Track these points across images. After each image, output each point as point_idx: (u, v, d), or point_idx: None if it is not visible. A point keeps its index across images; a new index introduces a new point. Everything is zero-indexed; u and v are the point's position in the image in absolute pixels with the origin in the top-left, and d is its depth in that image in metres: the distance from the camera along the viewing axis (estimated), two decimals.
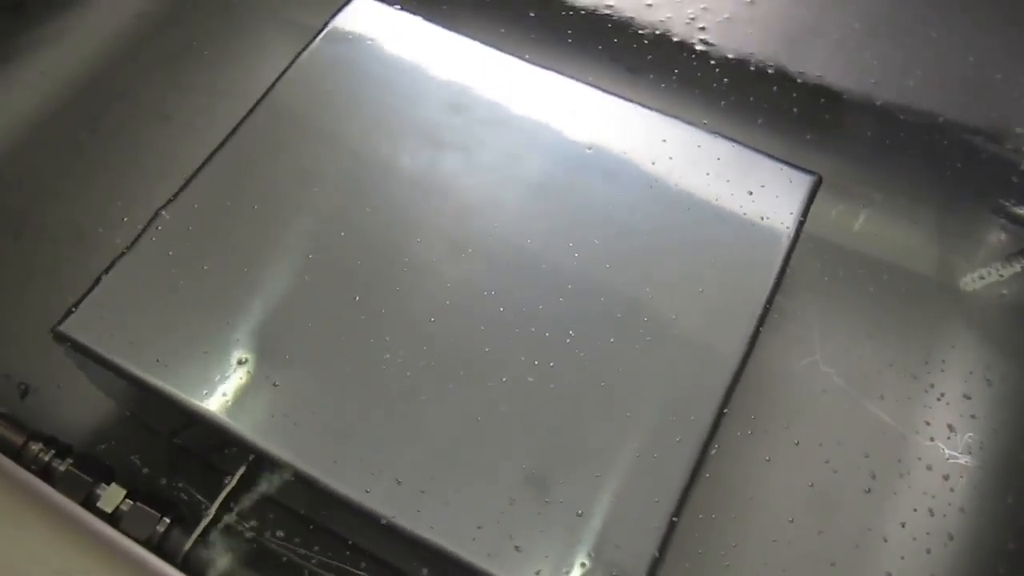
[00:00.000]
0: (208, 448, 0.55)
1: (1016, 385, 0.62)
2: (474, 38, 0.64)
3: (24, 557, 0.34)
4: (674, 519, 0.46)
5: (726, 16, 0.77)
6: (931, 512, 0.57)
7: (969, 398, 0.61)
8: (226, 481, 0.48)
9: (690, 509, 0.47)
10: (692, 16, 0.77)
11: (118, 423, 0.59)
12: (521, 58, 0.63)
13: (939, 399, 0.61)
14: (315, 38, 0.64)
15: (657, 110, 0.61)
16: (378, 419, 0.48)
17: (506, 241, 0.55)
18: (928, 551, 0.56)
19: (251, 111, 0.60)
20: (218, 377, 0.49)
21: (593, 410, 0.49)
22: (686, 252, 0.55)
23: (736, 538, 0.56)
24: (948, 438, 0.60)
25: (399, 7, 0.66)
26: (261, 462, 0.48)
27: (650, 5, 0.78)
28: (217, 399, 0.48)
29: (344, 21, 0.65)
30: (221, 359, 0.50)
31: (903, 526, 0.57)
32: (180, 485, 0.55)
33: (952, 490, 0.58)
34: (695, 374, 0.50)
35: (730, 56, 0.75)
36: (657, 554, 0.45)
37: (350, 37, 0.64)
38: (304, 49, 0.63)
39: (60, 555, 0.34)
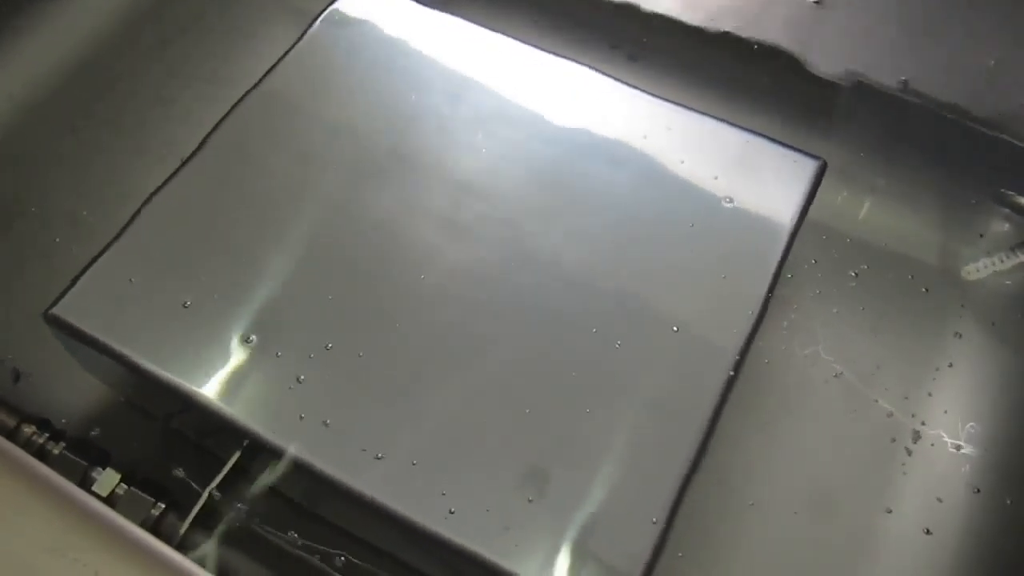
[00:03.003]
0: (203, 432, 0.54)
1: (1018, 374, 0.62)
2: (473, 22, 0.64)
3: (17, 535, 0.34)
4: (673, 509, 0.45)
5: (730, 2, 0.76)
6: (934, 501, 0.57)
7: (971, 387, 0.61)
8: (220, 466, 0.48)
9: (689, 499, 0.46)
10: (695, 1, 0.76)
11: (112, 407, 0.58)
12: (520, 41, 0.63)
13: (941, 388, 0.61)
14: (314, 22, 0.63)
15: (659, 95, 0.60)
16: (373, 404, 0.48)
17: (506, 227, 0.54)
18: (930, 540, 0.56)
19: (246, 95, 0.59)
20: (211, 360, 0.48)
21: (592, 400, 0.49)
22: (688, 238, 0.54)
23: (736, 529, 0.56)
24: (950, 427, 0.59)
25: None
26: (255, 446, 0.47)
27: None
28: (210, 382, 0.48)
29: (343, 5, 0.64)
30: (214, 342, 0.49)
31: (906, 514, 0.56)
32: (175, 469, 0.55)
33: (955, 479, 0.58)
34: (696, 363, 0.50)
35: (734, 41, 0.74)
36: (656, 546, 0.45)
37: (349, 21, 0.63)
38: (303, 33, 0.62)
39: (54, 533, 0.34)
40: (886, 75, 0.71)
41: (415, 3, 0.65)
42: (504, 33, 0.63)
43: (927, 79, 0.71)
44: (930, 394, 0.60)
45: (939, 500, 0.57)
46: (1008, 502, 0.57)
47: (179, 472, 0.54)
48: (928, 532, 0.56)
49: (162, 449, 0.56)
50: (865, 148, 0.71)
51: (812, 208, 0.56)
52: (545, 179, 0.56)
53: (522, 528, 0.45)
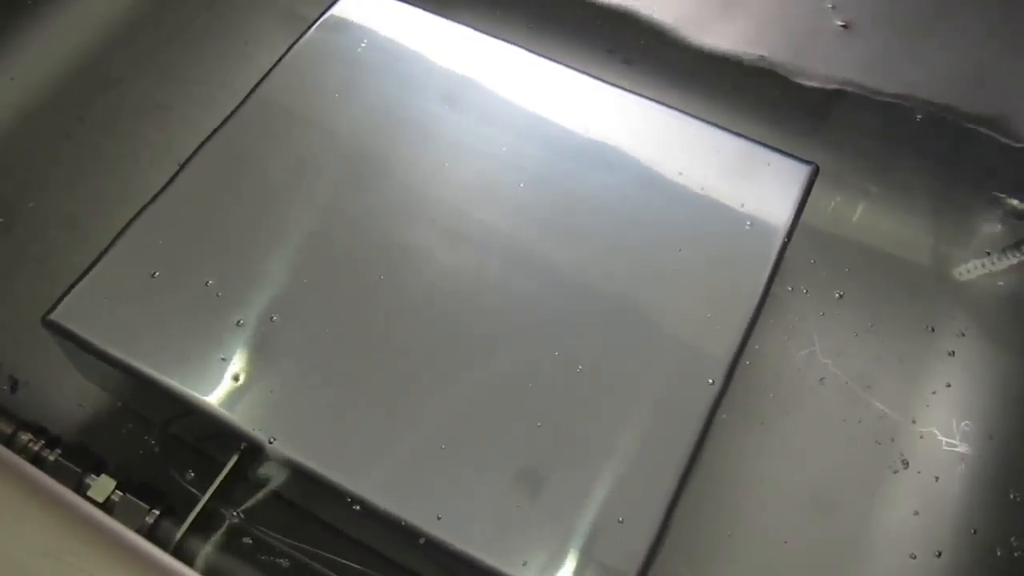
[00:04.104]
0: (201, 437, 0.54)
1: (1012, 374, 0.62)
2: (470, 26, 0.64)
3: (13, 539, 0.34)
4: (669, 510, 0.46)
5: (723, 8, 0.76)
6: (929, 501, 0.57)
7: (965, 387, 0.61)
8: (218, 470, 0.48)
9: (686, 501, 0.46)
10: (690, 7, 0.77)
11: (109, 413, 0.58)
12: (517, 46, 0.63)
13: (935, 389, 0.61)
14: (310, 27, 0.63)
15: (654, 100, 0.61)
16: (371, 408, 0.48)
17: (501, 231, 0.54)
18: (926, 540, 0.56)
19: (244, 100, 0.59)
20: (209, 366, 0.48)
21: (588, 402, 0.49)
22: (682, 242, 0.55)
23: (732, 530, 0.56)
24: (945, 427, 0.60)
25: None
26: (252, 451, 0.47)
27: None
28: (208, 388, 0.48)
29: (340, 10, 0.64)
30: (212, 347, 0.49)
31: (902, 516, 0.56)
32: (172, 474, 0.55)
33: (950, 479, 0.58)
34: (691, 366, 0.50)
35: (728, 47, 0.75)
36: (652, 548, 0.45)
37: (345, 26, 0.64)
38: (299, 38, 0.63)
39: (49, 538, 0.34)
40: (880, 79, 0.72)
41: (412, 8, 0.65)
42: (500, 38, 0.63)
43: (921, 83, 0.71)
44: (925, 394, 0.61)
45: (934, 498, 0.57)
46: (1003, 500, 0.57)
47: (177, 477, 0.54)
48: (925, 530, 0.56)
49: (160, 454, 0.56)
50: (858, 152, 0.71)
51: (806, 213, 0.56)
52: (541, 183, 0.57)
53: (516, 530, 0.45)
